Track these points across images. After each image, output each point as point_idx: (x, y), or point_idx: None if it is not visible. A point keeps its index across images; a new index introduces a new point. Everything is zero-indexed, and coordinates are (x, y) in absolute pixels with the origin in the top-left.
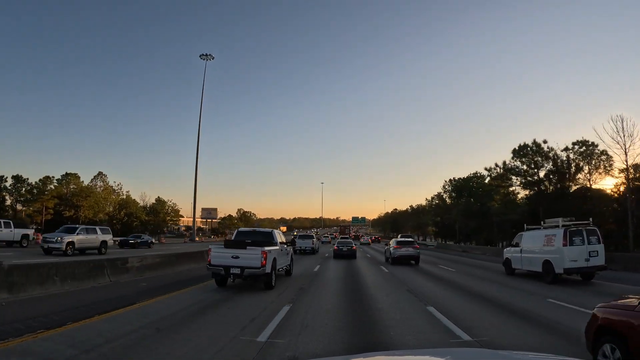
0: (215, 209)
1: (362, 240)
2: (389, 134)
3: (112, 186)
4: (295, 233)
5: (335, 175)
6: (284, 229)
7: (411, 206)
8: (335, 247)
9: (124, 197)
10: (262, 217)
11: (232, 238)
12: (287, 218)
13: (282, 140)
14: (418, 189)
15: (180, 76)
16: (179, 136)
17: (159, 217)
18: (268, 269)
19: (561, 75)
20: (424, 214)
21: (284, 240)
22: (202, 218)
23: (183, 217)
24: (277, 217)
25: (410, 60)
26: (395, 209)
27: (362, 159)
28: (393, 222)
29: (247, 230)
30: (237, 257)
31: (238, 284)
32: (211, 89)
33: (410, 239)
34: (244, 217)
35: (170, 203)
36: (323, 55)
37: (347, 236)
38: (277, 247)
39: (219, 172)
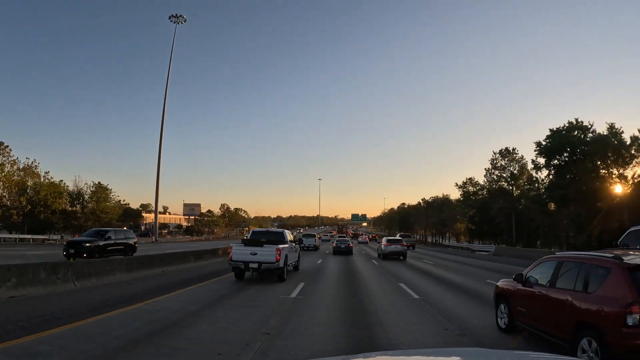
0: (199, 205)
1: (360, 239)
2: (391, 130)
3: (27, 164)
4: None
5: (333, 173)
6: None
7: (424, 199)
8: (335, 245)
9: (43, 180)
10: (258, 215)
11: (248, 237)
12: (284, 216)
13: (279, 135)
14: (420, 188)
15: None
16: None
17: (87, 208)
18: (281, 264)
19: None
20: (448, 206)
21: (292, 239)
22: (184, 215)
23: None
24: (273, 215)
25: (412, 54)
26: (404, 204)
27: (362, 155)
28: (402, 220)
29: (262, 231)
30: (255, 254)
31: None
32: (200, 76)
33: (398, 238)
34: (228, 213)
35: (104, 187)
36: (321, 44)
37: (344, 235)
38: (288, 245)
39: (210, 166)
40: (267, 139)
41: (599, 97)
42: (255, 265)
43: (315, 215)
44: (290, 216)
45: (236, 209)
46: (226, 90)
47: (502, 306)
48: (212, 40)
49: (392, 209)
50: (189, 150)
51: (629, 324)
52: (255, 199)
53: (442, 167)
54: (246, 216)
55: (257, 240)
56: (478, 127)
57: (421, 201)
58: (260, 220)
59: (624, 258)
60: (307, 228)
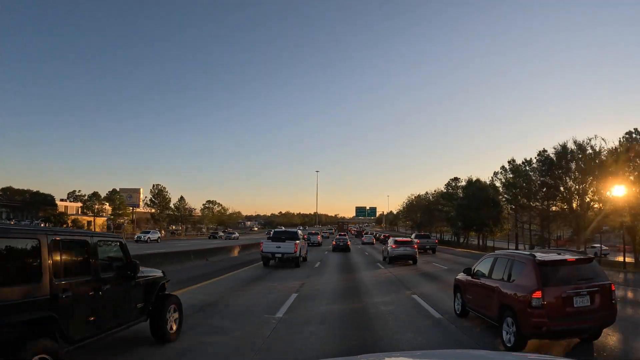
0: (138, 190)
1: (364, 238)
2: (393, 125)
3: None
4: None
5: (333, 170)
6: None
7: (513, 161)
8: (334, 243)
9: None
10: (247, 212)
11: (271, 235)
12: (276, 213)
13: (274, 130)
14: (423, 188)
15: None
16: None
17: None
18: (298, 254)
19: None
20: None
21: (303, 235)
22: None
23: None
24: (268, 212)
25: (417, 48)
26: (456, 178)
27: (364, 152)
28: (468, 206)
29: (281, 230)
30: (279, 247)
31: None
32: (189, 63)
33: (407, 239)
34: (161, 199)
35: None
36: (320, 32)
37: (344, 234)
38: (300, 241)
39: (201, 160)
40: (261, 132)
41: None
42: (280, 255)
43: (312, 213)
44: (281, 212)
45: (212, 202)
46: (211, 77)
47: (458, 295)
48: (210, 35)
49: (420, 195)
50: (177, 143)
51: (533, 305)
52: (248, 195)
53: (445, 166)
54: (222, 210)
55: (279, 237)
56: (484, 125)
57: (507, 166)
58: (234, 218)
59: (536, 255)
60: (310, 228)
